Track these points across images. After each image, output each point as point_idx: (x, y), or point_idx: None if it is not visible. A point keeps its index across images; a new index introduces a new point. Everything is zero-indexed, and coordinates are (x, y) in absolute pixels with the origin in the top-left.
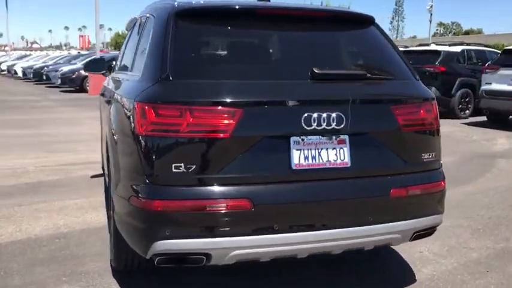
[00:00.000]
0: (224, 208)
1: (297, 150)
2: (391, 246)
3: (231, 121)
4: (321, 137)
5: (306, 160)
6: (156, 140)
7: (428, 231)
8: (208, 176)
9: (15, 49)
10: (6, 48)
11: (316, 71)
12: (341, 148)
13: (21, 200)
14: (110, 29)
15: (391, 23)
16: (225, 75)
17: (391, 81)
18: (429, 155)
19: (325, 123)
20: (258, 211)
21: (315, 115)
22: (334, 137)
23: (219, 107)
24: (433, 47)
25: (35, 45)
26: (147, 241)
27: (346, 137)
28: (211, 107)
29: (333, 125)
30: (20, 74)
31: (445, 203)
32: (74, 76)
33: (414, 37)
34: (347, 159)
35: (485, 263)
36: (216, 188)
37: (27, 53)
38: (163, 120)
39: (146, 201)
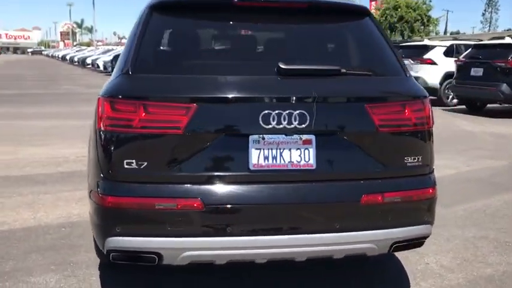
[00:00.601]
0: (174, 207)
1: (256, 149)
2: (396, 255)
3: (184, 117)
4: (284, 136)
5: (266, 160)
6: (112, 135)
7: (412, 243)
8: (160, 174)
9: (107, 44)
10: (99, 43)
11: (282, 66)
12: (306, 149)
13: (49, 188)
14: None
15: (483, 14)
16: (185, 69)
17: (371, 77)
18: (414, 159)
19: (285, 122)
20: (210, 212)
21: (274, 113)
22: (298, 137)
23: (172, 103)
24: (507, 40)
25: (123, 41)
26: (101, 237)
27: (312, 137)
28: (163, 102)
29: (295, 123)
30: (101, 67)
31: (480, 210)
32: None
33: (509, 29)
34: (312, 161)
35: (498, 281)
36: (167, 187)
37: (112, 47)
38: (119, 115)
39: (101, 196)
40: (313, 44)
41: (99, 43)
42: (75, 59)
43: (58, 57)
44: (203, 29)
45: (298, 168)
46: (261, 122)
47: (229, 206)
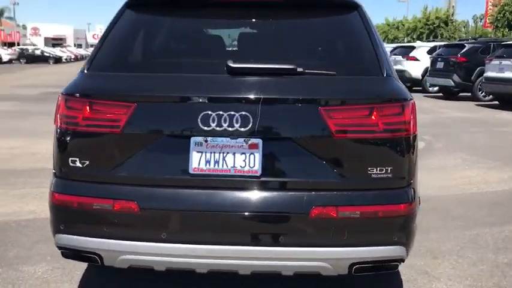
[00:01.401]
0: (110, 208)
1: (198, 152)
2: (403, 275)
3: (123, 117)
4: (228, 139)
5: (208, 164)
6: (62, 132)
7: (382, 266)
8: (100, 174)
9: None
10: None
11: (230, 64)
12: (252, 154)
13: None
14: None
15: None
16: (135, 68)
17: (335, 77)
18: (381, 170)
19: (226, 124)
20: (145, 216)
21: (215, 114)
22: (244, 141)
23: (112, 101)
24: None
25: None
26: (52, 233)
27: (259, 142)
28: (105, 101)
29: (236, 126)
30: None
31: None
32: None
33: None
34: (257, 167)
35: None
36: (106, 187)
37: None
38: (69, 113)
39: (51, 193)
40: (283, 41)
41: None
42: None
43: None
44: (166, 27)
45: (241, 174)
46: (200, 124)
47: (165, 210)
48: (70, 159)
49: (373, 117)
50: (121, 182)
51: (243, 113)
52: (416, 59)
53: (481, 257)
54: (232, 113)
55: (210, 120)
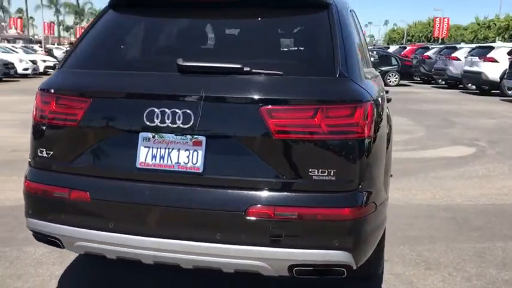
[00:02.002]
0: (67, 197)
1: (146, 147)
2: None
3: (80, 111)
4: (174, 136)
5: (154, 159)
6: (35, 124)
7: (325, 270)
8: (61, 164)
9: None
10: None
11: (179, 62)
12: (195, 151)
13: None
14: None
15: None
16: (97, 65)
17: (282, 77)
18: (324, 172)
19: (169, 121)
20: (96, 205)
21: (159, 111)
22: (189, 138)
23: (71, 97)
24: None
25: None
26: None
27: (203, 139)
28: (65, 95)
29: (179, 123)
30: None
31: None
32: None
33: None
34: (199, 164)
35: None
36: (64, 176)
37: None
38: (39, 106)
39: (24, 180)
40: (243, 41)
41: None
42: None
43: None
44: (133, 28)
45: (184, 170)
46: (145, 120)
47: (112, 202)
48: (39, 149)
49: (316, 118)
50: (78, 172)
51: (186, 110)
52: (494, 61)
53: (480, 272)
54: (175, 110)
55: (155, 117)
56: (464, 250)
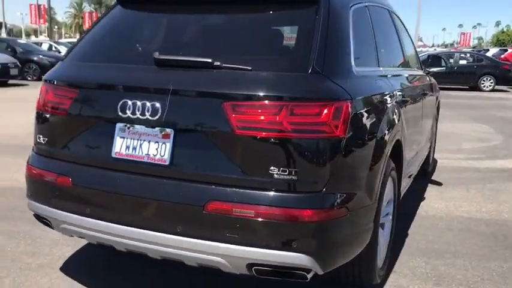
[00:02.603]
0: (53, 181)
1: (121, 138)
2: None
3: (68, 101)
4: (145, 127)
5: (127, 150)
6: (37, 112)
7: (285, 272)
8: (53, 150)
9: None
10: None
11: (154, 56)
12: (164, 143)
13: None
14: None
15: None
16: (88, 57)
17: (251, 72)
18: (285, 171)
19: (139, 112)
20: (76, 191)
21: (131, 102)
22: (158, 130)
23: (63, 87)
24: None
25: (418, 43)
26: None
27: (171, 132)
28: (59, 86)
29: (147, 115)
30: None
31: None
32: None
33: None
34: (166, 156)
35: None
36: (53, 161)
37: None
38: (42, 96)
39: (26, 164)
40: (222, 36)
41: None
42: None
43: None
44: (125, 23)
45: (152, 161)
46: (119, 111)
47: (89, 188)
48: (38, 135)
49: (280, 115)
50: (65, 159)
51: (154, 103)
52: None
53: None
54: (145, 102)
55: (127, 108)
56: (489, 269)
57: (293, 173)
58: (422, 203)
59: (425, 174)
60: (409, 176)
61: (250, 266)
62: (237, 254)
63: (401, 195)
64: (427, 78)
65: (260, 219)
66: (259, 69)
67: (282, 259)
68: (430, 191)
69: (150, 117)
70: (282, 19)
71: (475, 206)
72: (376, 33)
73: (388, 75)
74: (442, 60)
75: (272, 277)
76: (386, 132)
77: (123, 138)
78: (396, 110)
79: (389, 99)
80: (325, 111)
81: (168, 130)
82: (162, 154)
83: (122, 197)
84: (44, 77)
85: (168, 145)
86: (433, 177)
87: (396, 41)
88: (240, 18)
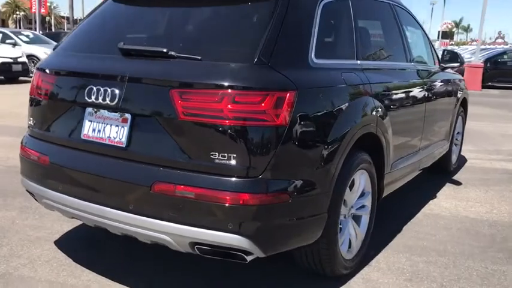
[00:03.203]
0: (37, 160)
1: (89, 121)
2: None
3: (50, 87)
4: (108, 112)
5: (93, 132)
6: (30, 97)
7: (224, 252)
8: (38, 132)
9: (483, 43)
10: (473, 43)
11: (119, 46)
12: (123, 127)
13: None
14: None
15: None
16: (72, 47)
17: (200, 62)
18: (224, 156)
19: (101, 98)
20: (52, 169)
21: (95, 88)
22: (119, 115)
23: (47, 74)
24: None
25: (498, 40)
26: None
27: (129, 117)
28: (43, 73)
29: (107, 100)
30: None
31: None
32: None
33: None
34: (124, 139)
35: None
36: (38, 142)
37: (487, 46)
38: (33, 82)
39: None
40: (187, 27)
41: (474, 42)
42: None
43: None
44: (106, 15)
45: (112, 144)
46: (85, 96)
47: (62, 167)
48: (29, 118)
49: (222, 103)
50: (47, 140)
51: (114, 89)
52: None
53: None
54: (106, 88)
55: (92, 94)
56: (471, 269)
57: (231, 158)
58: (431, 202)
59: (445, 173)
60: (405, 172)
61: (192, 244)
62: (180, 233)
63: (393, 189)
64: (443, 74)
65: (199, 201)
66: (209, 59)
67: (220, 239)
68: (446, 190)
69: (110, 103)
70: (239, 12)
71: (487, 207)
72: (359, 27)
73: (366, 69)
74: (458, 56)
75: (214, 256)
76: (347, 124)
77: (91, 121)
78: (371, 103)
79: (359, 91)
80: (266, 100)
81: (126, 115)
82: (120, 137)
83: (87, 175)
84: (36, 65)
85: (126, 129)
86: (456, 177)
87: (395, 35)
88: (203, 11)
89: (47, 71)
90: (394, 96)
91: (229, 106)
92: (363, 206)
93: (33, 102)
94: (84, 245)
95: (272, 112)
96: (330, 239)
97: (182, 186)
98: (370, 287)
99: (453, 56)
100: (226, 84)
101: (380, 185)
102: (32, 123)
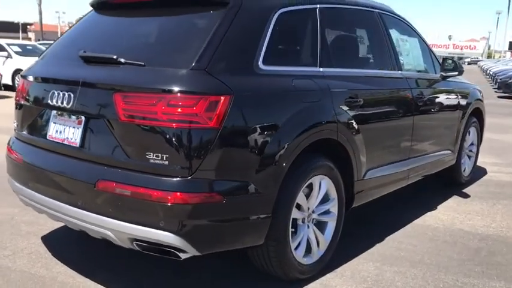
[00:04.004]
0: (14, 158)
1: (54, 123)
2: None
3: (26, 92)
4: (67, 114)
5: (56, 133)
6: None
7: (160, 249)
8: (19, 133)
9: None
10: None
11: (79, 54)
12: (78, 128)
13: None
14: None
15: None
16: (48, 55)
17: (143, 67)
18: (158, 156)
19: (59, 101)
20: (24, 166)
21: (56, 92)
22: (75, 117)
23: (25, 80)
24: None
25: None
26: None
27: (83, 119)
28: (23, 80)
29: (64, 103)
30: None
31: None
32: (510, 81)
33: None
34: (78, 140)
35: None
36: (18, 142)
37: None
38: (17, 89)
39: None
40: (142, 35)
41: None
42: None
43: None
44: (84, 25)
45: (69, 144)
46: (49, 100)
47: (31, 165)
48: (14, 121)
49: (157, 106)
50: (23, 140)
51: (70, 93)
52: None
53: None
54: (64, 93)
55: (53, 97)
56: (440, 281)
57: (164, 158)
58: (428, 213)
59: (455, 184)
60: (387, 180)
61: (131, 240)
62: (120, 229)
63: (372, 197)
64: (445, 83)
65: (134, 198)
66: (152, 64)
67: (152, 236)
68: (450, 202)
69: (67, 106)
70: (186, 21)
71: (487, 220)
72: (326, 36)
73: (331, 76)
74: (457, 65)
75: (151, 253)
76: (294, 129)
77: (55, 123)
78: (329, 110)
79: (314, 97)
80: (199, 104)
81: (81, 117)
82: (76, 138)
83: (49, 173)
84: (20, 73)
85: (80, 130)
86: (467, 189)
87: (378, 43)
88: (156, 21)
89: (28, 78)
90: (368, 104)
91: (163, 109)
92: (327, 212)
93: (17, 106)
94: (69, 242)
95: (205, 115)
96: (279, 242)
97: (120, 184)
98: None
99: (452, 65)
100: (161, 88)
101: (350, 192)
102: (15, 126)
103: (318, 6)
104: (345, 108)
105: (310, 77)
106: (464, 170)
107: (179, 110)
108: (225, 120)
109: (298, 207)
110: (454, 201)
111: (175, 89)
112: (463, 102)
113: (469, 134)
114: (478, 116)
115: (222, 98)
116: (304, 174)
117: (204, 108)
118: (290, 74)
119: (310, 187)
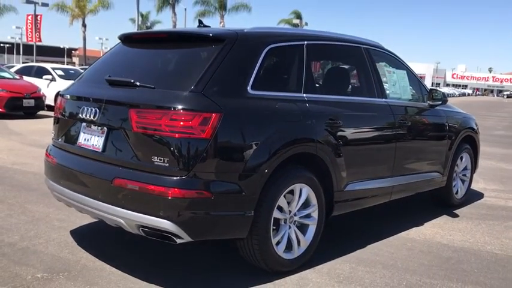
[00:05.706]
0: (51, 161)
1: (83, 133)
2: None
3: (63, 107)
4: (93, 126)
5: (85, 141)
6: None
7: (160, 233)
8: (56, 141)
9: None
10: None
11: (105, 78)
12: (101, 137)
13: None
14: None
15: None
16: (84, 78)
17: (154, 89)
18: (161, 159)
19: (88, 115)
20: (57, 168)
21: (85, 108)
22: (99, 128)
23: (62, 97)
24: None
25: None
26: None
27: (105, 129)
28: (61, 97)
29: (91, 116)
30: None
31: None
32: None
33: None
34: (100, 146)
35: None
36: (54, 148)
37: None
38: (56, 105)
39: None
40: (157, 64)
41: None
42: None
43: None
44: (111, 54)
45: (93, 149)
46: (80, 114)
47: (63, 167)
48: (52, 132)
49: (162, 120)
50: (58, 146)
51: (95, 109)
52: None
53: None
54: (91, 108)
55: (83, 112)
56: (403, 279)
57: (165, 161)
58: (414, 228)
59: (447, 206)
60: (368, 194)
61: (138, 226)
62: (130, 217)
63: (354, 208)
64: (432, 111)
65: (141, 192)
66: (160, 87)
67: (154, 223)
68: (438, 220)
69: (93, 119)
70: (191, 53)
71: (467, 237)
72: (310, 67)
73: (313, 101)
74: (442, 95)
75: (154, 238)
76: (275, 142)
77: (84, 133)
78: (309, 129)
79: (295, 118)
80: (194, 119)
81: (104, 128)
82: (99, 144)
83: (78, 173)
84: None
85: (103, 138)
86: (458, 210)
87: (363, 74)
88: (170, 53)
89: (64, 96)
90: (348, 125)
91: (166, 122)
92: (308, 216)
93: (55, 120)
94: (93, 235)
95: (198, 128)
96: (261, 236)
97: (131, 181)
98: (301, 283)
99: (438, 95)
100: (165, 105)
101: (330, 200)
102: (53, 135)
103: (306, 42)
104: (325, 127)
105: (294, 101)
106: (456, 193)
107: (179, 123)
108: (216, 132)
109: (280, 209)
110: (442, 219)
111: (176, 106)
112: (453, 129)
113: (462, 160)
114: (471, 143)
115: (213, 114)
116: (286, 181)
117: (198, 122)
118: (275, 98)
119: (292, 193)
